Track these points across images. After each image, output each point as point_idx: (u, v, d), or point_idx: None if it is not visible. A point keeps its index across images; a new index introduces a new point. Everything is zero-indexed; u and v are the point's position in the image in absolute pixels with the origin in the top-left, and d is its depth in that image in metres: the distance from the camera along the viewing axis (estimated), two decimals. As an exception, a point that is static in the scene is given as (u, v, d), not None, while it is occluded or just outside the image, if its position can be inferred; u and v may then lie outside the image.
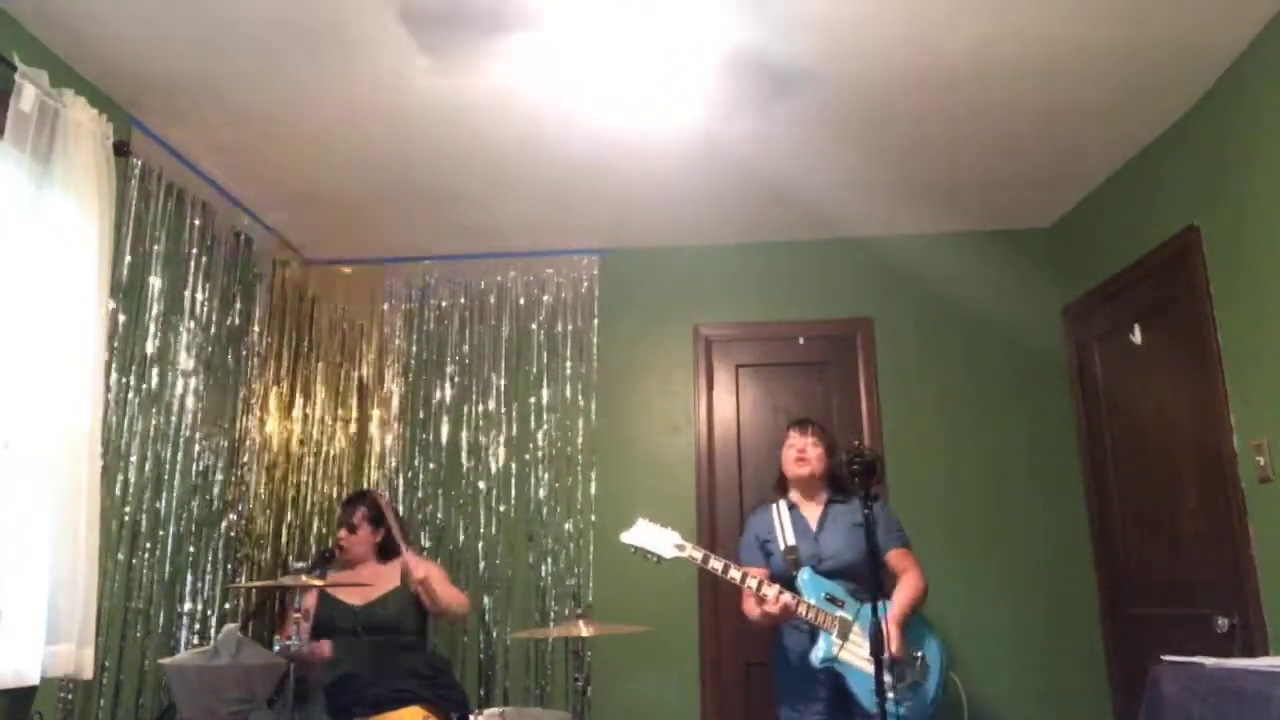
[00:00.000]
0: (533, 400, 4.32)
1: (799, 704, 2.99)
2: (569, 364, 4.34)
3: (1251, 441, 2.88)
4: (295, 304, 4.41)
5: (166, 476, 3.34)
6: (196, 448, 3.53)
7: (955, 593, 3.70)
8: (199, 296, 3.60)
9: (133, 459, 3.15)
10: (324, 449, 4.38)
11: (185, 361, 3.47)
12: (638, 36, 2.76)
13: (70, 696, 2.80)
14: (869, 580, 2.63)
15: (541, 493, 4.21)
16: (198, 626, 3.48)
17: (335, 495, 4.27)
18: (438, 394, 4.38)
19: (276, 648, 2.84)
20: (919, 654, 2.94)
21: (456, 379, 4.39)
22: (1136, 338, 3.57)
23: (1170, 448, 3.37)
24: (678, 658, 3.91)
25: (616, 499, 4.09)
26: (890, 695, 2.53)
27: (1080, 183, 3.84)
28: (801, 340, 4.27)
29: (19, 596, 2.41)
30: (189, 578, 3.45)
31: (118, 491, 3.06)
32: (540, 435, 4.27)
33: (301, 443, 4.35)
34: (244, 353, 3.91)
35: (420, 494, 4.26)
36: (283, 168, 3.65)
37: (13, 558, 2.42)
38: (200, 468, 3.55)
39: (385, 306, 4.51)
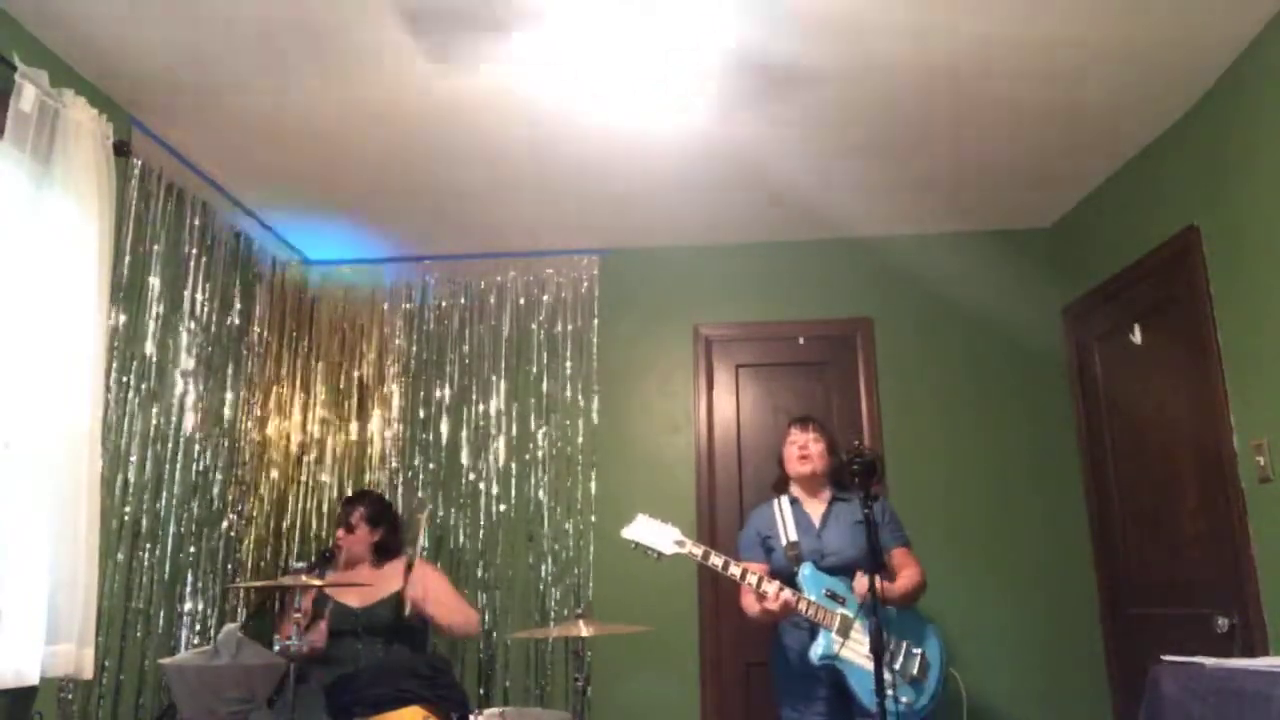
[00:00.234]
0: (533, 400, 4.32)
1: (800, 703, 2.99)
2: (569, 364, 4.34)
3: (1251, 441, 2.88)
4: (295, 304, 4.41)
5: (166, 476, 3.34)
6: (196, 448, 3.53)
7: (955, 593, 3.70)
8: (199, 296, 3.60)
9: (133, 459, 3.15)
10: (324, 449, 4.38)
11: (185, 361, 3.47)
12: (638, 36, 2.76)
13: (70, 696, 2.80)
14: (870, 578, 2.63)
15: (541, 493, 4.21)
16: (198, 626, 3.48)
17: (335, 495, 4.28)
18: (438, 394, 4.38)
19: (276, 648, 2.84)
20: (919, 650, 2.94)
21: (456, 379, 4.39)
22: (1136, 338, 3.57)
23: (1170, 448, 3.37)
24: (678, 658, 3.91)
25: (616, 499, 4.09)
26: (890, 693, 2.53)
27: (1080, 183, 3.84)
28: (801, 340, 4.27)
29: (19, 596, 2.41)
30: (189, 578, 3.45)
31: (118, 491, 3.06)
32: (540, 435, 4.27)
33: (301, 443, 4.35)
34: (244, 353, 3.91)
35: (420, 494, 4.26)
36: (283, 168, 3.65)
37: (13, 558, 2.42)
38: (200, 468, 3.55)
39: (385, 306, 4.51)
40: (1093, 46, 2.87)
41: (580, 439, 4.25)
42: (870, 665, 2.52)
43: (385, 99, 3.13)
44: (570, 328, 4.38)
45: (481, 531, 4.18)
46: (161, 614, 3.27)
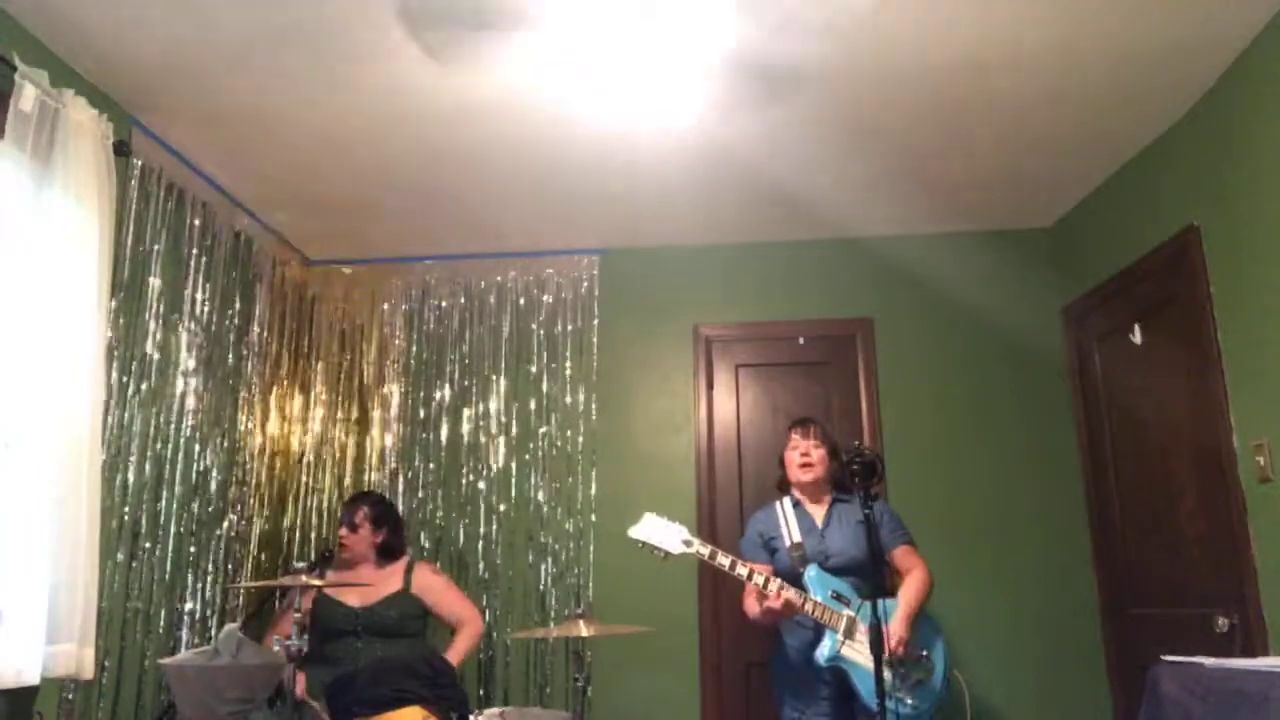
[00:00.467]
0: (533, 400, 4.32)
1: (802, 703, 2.99)
2: (569, 364, 4.34)
3: (1251, 441, 2.88)
4: (295, 304, 4.41)
5: (166, 476, 3.34)
6: (196, 448, 3.53)
7: (955, 592, 3.69)
8: (199, 296, 3.60)
9: (133, 459, 3.15)
10: (324, 449, 4.38)
11: (185, 361, 3.47)
12: (638, 37, 2.75)
13: (70, 696, 2.80)
14: (873, 578, 2.63)
15: (541, 493, 4.20)
16: (198, 626, 3.48)
17: (335, 495, 4.28)
18: (438, 394, 4.38)
19: (276, 647, 2.84)
20: (924, 652, 2.94)
21: (456, 379, 4.39)
22: (1136, 338, 3.57)
23: (1170, 448, 3.37)
24: (678, 658, 3.91)
25: (616, 499, 4.09)
26: (897, 694, 2.53)
27: (1080, 183, 3.84)
28: (801, 340, 4.26)
29: (19, 596, 2.41)
30: (189, 578, 3.45)
31: (118, 491, 3.06)
32: (540, 435, 4.27)
33: (301, 443, 4.35)
34: (244, 353, 3.91)
35: (420, 494, 4.26)
36: (283, 168, 3.65)
37: (13, 558, 2.42)
38: (200, 468, 3.55)
39: (385, 306, 4.51)
40: (1093, 47, 2.87)
41: (580, 439, 4.25)
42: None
43: (385, 99, 3.13)
44: (570, 328, 4.38)
45: (481, 531, 4.18)
46: (161, 614, 3.27)
